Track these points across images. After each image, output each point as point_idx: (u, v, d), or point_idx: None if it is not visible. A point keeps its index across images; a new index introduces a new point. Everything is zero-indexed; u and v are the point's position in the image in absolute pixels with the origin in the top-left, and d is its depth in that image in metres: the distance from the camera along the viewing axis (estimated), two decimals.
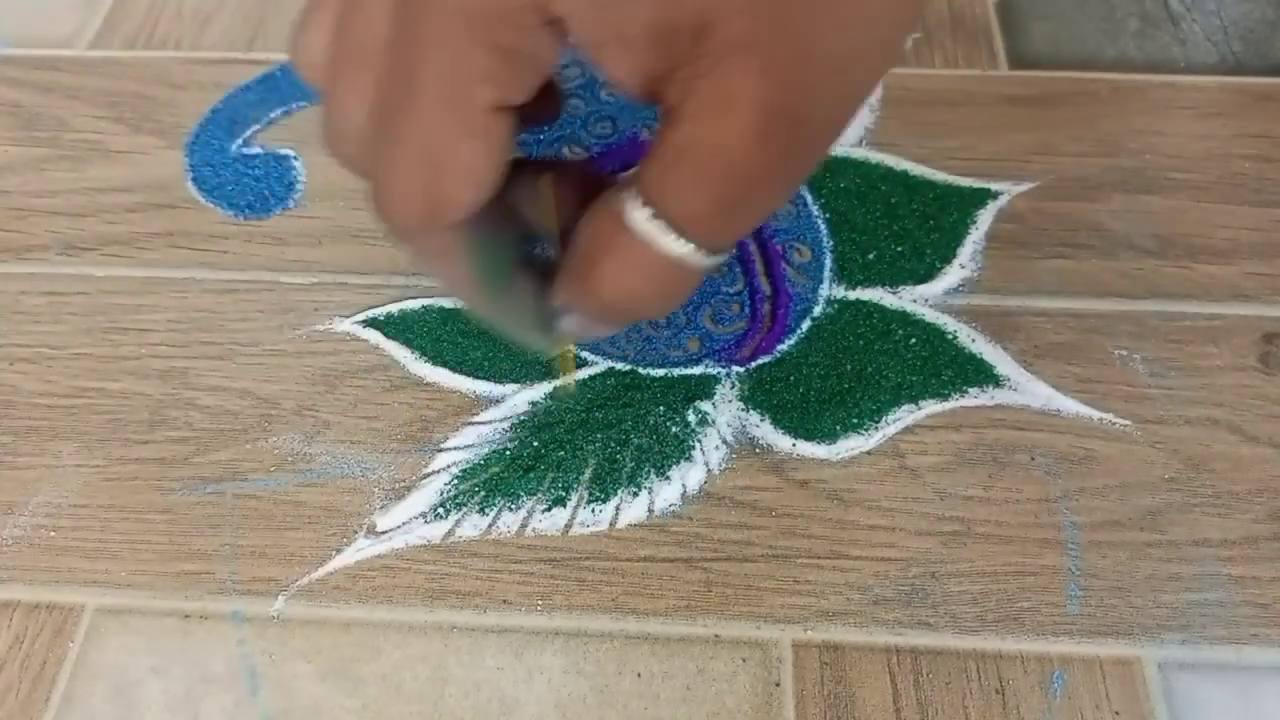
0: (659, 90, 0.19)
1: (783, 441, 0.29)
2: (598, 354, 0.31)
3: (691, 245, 0.19)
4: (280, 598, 0.27)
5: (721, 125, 0.18)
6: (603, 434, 0.30)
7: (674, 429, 0.30)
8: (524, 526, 0.28)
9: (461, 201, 0.20)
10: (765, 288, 0.33)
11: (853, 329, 0.32)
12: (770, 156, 0.19)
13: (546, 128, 0.36)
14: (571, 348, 0.29)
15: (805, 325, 0.32)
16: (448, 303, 0.32)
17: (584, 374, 0.31)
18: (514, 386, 0.31)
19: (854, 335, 0.31)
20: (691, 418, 0.30)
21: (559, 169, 0.23)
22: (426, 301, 0.33)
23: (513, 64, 0.18)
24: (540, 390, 0.31)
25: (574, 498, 0.29)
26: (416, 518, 0.28)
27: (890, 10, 0.19)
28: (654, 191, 0.19)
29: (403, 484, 0.29)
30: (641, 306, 0.21)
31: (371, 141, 0.20)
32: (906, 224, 0.34)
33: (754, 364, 0.31)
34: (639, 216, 0.19)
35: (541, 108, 0.21)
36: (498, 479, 0.29)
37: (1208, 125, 0.37)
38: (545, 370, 0.30)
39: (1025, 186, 0.35)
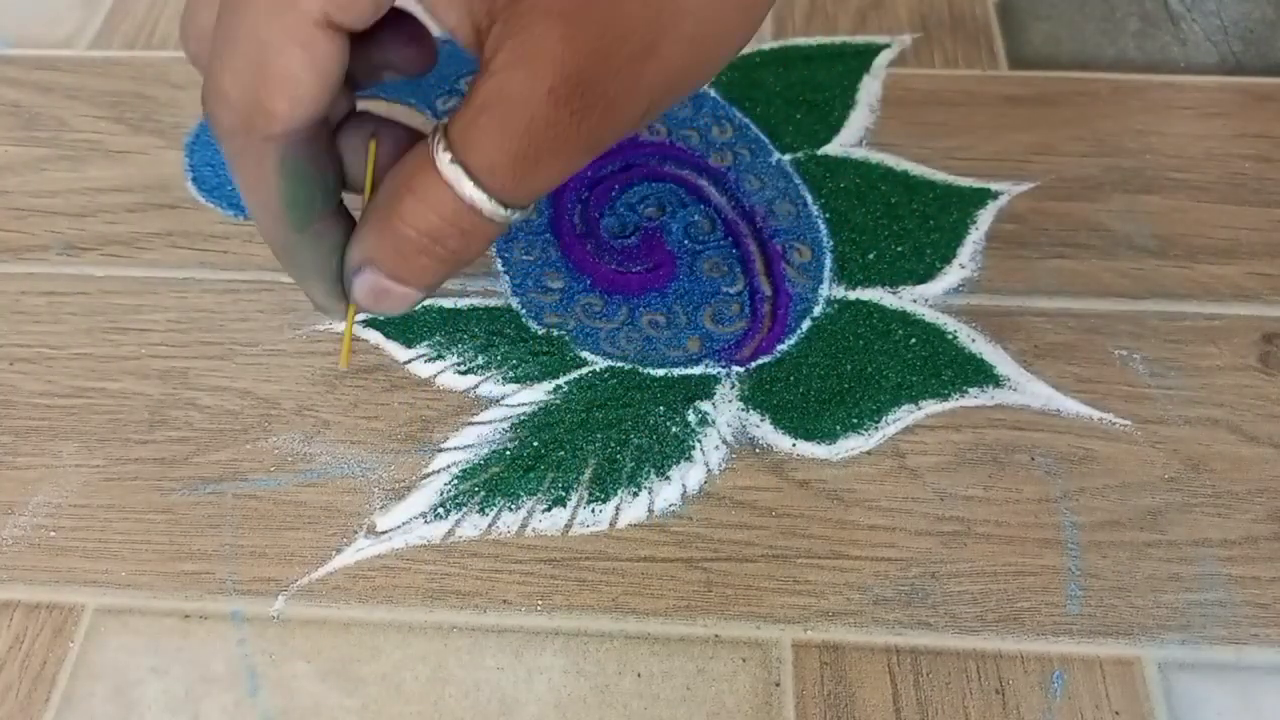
0: (481, 43, 0.20)
1: (783, 441, 0.29)
2: (598, 354, 0.31)
3: (487, 194, 0.20)
4: (280, 598, 0.27)
5: (522, 82, 0.19)
6: (603, 434, 0.30)
7: (674, 429, 0.30)
8: (524, 526, 0.28)
9: (277, 112, 0.20)
10: (765, 288, 0.33)
11: (853, 329, 0.32)
12: (564, 117, 0.19)
13: None
14: (352, 324, 0.29)
15: (805, 325, 0.32)
16: (448, 303, 0.32)
17: (583, 373, 0.31)
18: (514, 386, 0.31)
19: (854, 335, 0.31)
20: (691, 418, 0.30)
21: (393, 129, 0.24)
22: (427, 301, 0.33)
23: None
24: (540, 390, 0.31)
25: (574, 498, 0.29)
26: (416, 518, 0.28)
27: (715, 3, 0.20)
28: (458, 138, 0.20)
29: (403, 484, 0.29)
30: (436, 250, 0.22)
31: (211, 40, 0.20)
32: (906, 224, 0.34)
33: (754, 364, 0.31)
34: (443, 159, 0.20)
35: (407, 55, 0.22)
36: (498, 479, 0.29)
37: (1208, 125, 0.37)
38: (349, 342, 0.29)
39: (1025, 186, 0.35)
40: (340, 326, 0.32)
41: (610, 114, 0.20)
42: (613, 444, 0.30)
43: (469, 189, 0.20)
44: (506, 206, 0.21)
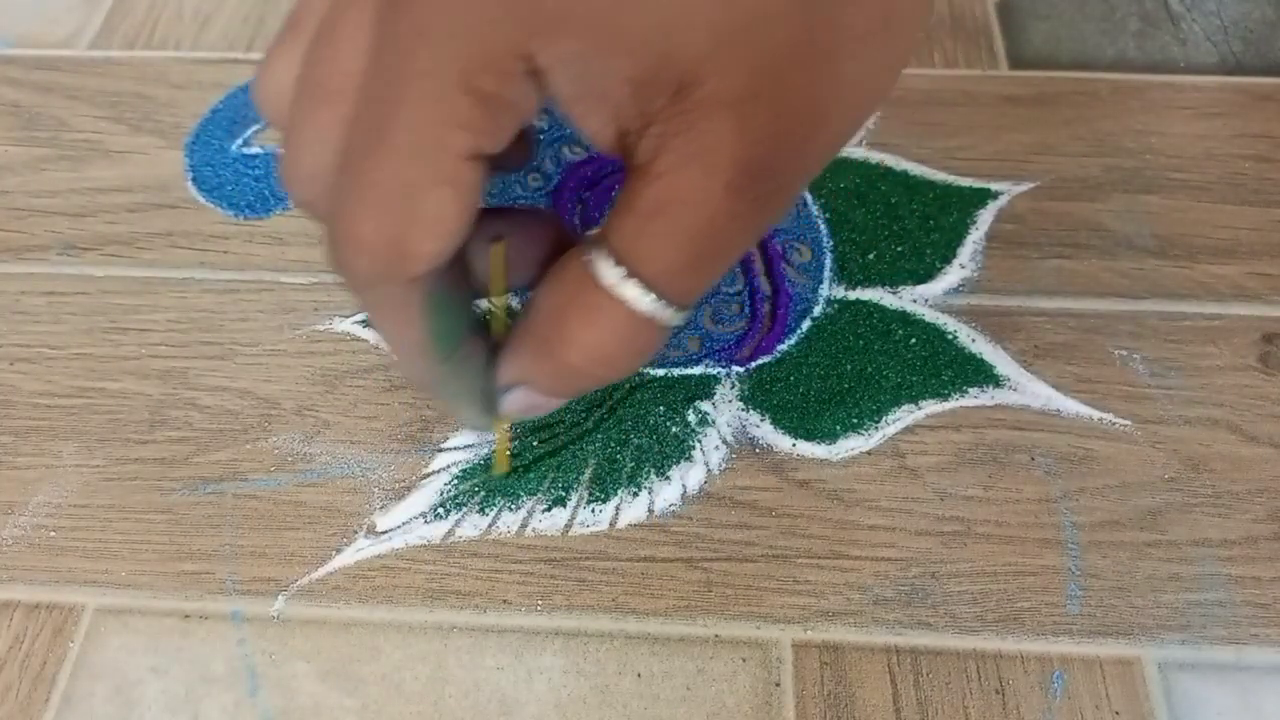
0: (629, 145, 0.19)
1: (783, 441, 0.29)
2: None
3: (663, 302, 0.19)
4: (280, 598, 0.27)
5: (696, 181, 0.18)
6: (603, 434, 0.30)
7: (674, 429, 0.30)
8: (524, 526, 0.28)
9: (428, 253, 0.19)
10: (765, 288, 0.33)
11: (853, 329, 0.32)
12: (744, 209, 0.18)
13: (546, 128, 0.36)
14: (508, 429, 0.28)
15: (805, 325, 0.32)
16: None
17: None
18: None
19: (854, 335, 0.31)
20: (691, 418, 0.30)
21: (518, 225, 0.22)
22: None
23: (492, 112, 0.18)
24: None
25: (574, 498, 0.29)
26: (416, 518, 0.28)
27: (871, 68, 0.19)
28: (625, 248, 0.19)
29: (403, 484, 0.29)
30: (608, 368, 0.20)
31: (334, 185, 0.19)
32: (906, 224, 0.34)
33: (754, 364, 0.31)
34: (610, 275, 0.19)
35: (511, 154, 0.20)
36: (498, 479, 0.29)
37: (1208, 125, 0.37)
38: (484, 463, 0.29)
39: (1025, 186, 0.35)
40: (339, 327, 0.32)
41: (785, 193, 0.19)
42: (613, 444, 0.30)
43: (646, 302, 0.19)
44: (681, 309, 0.19)
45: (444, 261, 0.19)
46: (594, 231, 0.20)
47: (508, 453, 0.29)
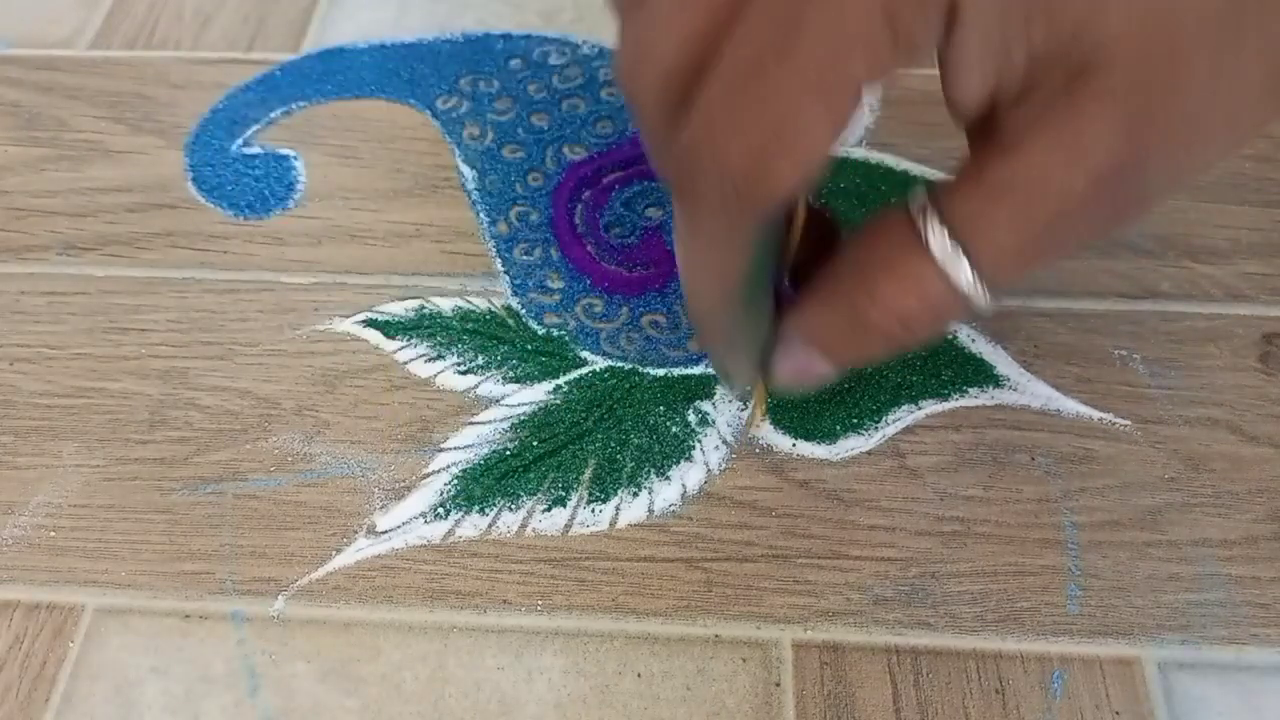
0: (996, 116, 0.18)
1: (783, 441, 0.29)
2: (598, 354, 0.31)
3: (981, 282, 0.18)
4: (280, 598, 0.27)
5: (1062, 171, 0.17)
6: (603, 434, 0.30)
7: (674, 429, 0.30)
8: (524, 526, 0.28)
9: (790, 183, 0.17)
10: None
11: None
12: (1100, 209, 0.18)
13: (545, 128, 0.36)
14: (764, 394, 0.28)
15: None
16: (446, 303, 0.32)
17: (583, 373, 0.31)
18: (514, 386, 0.31)
19: None
20: (691, 418, 0.30)
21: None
22: (426, 302, 0.33)
23: (897, 44, 0.17)
24: (540, 390, 0.31)
25: (574, 498, 0.29)
26: (416, 518, 0.28)
27: (1262, 85, 0.17)
28: (963, 219, 0.18)
29: (403, 484, 0.29)
30: (905, 333, 0.20)
31: (693, 95, 0.17)
32: None
33: None
34: (939, 241, 0.18)
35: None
36: (497, 479, 0.29)
37: None
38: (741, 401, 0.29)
39: None
40: (339, 327, 0.32)
41: (1146, 201, 0.18)
42: (613, 444, 0.30)
43: (965, 275, 0.18)
44: (992, 296, 0.19)
45: (794, 195, 0.18)
46: (921, 190, 0.19)
47: (763, 405, 0.29)
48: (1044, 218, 0.18)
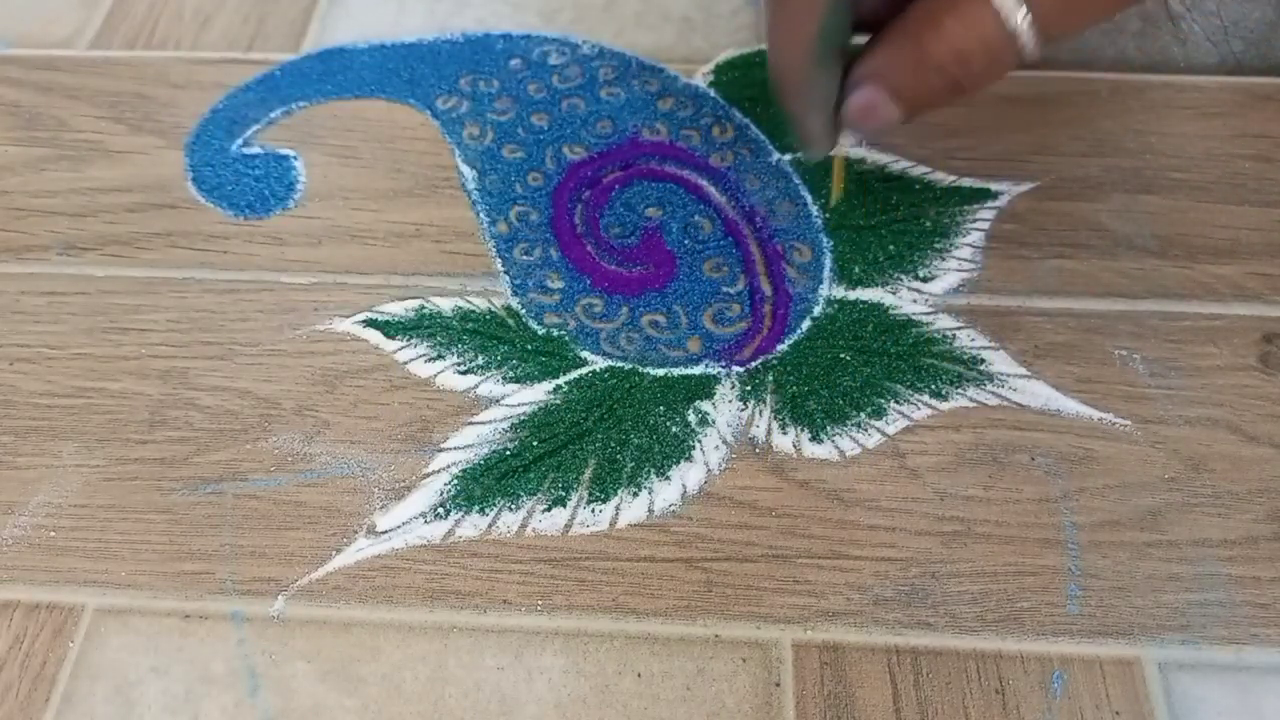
0: None
1: (783, 441, 0.29)
2: (598, 354, 0.31)
3: (1034, 28, 0.21)
4: (280, 598, 0.27)
5: None
6: (603, 434, 0.30)
7: (674, 429, 0.30)
8: (524, 526, 0.28)
9: None
10: (765, 288, 0.33)
11: (853, 329, 0.32)
12: None
13: (545, 128, 0.36)
14: (845, 154, 0.30)
15: (805, 325, 0.32)
16: (448, 303, 0.32)
17: (583, 373, 0.31)
18: (514, 386, 0.31)
19: (854, 335, 0.31)
20: (691, 418, 0.30)
21: None
22: (426, 302, 0.33)
23: None
24: (540, 390, 0.31)
25: (574, 498, 0.29)
26: (416, 518, 0.28)
27: None
28: None
29: (403, 484, 0.29)
30: (962, 68, 0.23)
31: None
32: (906, 224, 0.34)
33: (754, 364, 0.31)
34: None
35: None
36: (497, 479, 0.29)
37: (1208, 125, 0.37)
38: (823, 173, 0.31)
39: (1025, 186, 0.35)
40: (339, 327, 0.32)
41: None
42: (613, 444, 0.30)
43: (1019, 17, 0.21)
44: (1043, 41, 0.22)
45: None
46: None
47: (841, 180, 0.31)
48: None
